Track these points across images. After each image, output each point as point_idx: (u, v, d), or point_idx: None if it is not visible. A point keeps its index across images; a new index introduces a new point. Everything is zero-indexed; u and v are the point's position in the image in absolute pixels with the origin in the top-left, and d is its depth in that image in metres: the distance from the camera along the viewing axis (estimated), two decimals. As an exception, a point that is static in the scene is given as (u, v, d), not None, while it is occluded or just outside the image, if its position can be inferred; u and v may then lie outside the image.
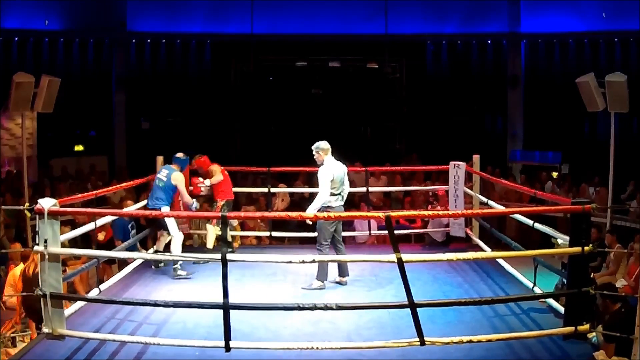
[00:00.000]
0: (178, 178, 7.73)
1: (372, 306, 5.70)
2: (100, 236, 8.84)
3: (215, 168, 8.60)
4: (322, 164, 7.07)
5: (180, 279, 7.50)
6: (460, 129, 16.21)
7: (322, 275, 7.04)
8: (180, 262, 7.62)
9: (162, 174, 7.80)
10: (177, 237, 7.59)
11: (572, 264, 5.49)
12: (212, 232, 8.52)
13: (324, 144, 7.12)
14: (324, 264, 6.98)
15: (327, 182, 6.93)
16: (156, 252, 8.04)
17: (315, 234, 7.43)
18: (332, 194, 6.99)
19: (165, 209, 7.59)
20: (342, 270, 7.24)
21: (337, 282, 7.22)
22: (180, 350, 5.25)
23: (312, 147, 7.16)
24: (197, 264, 7.93)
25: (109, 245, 8.80)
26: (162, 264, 7.90)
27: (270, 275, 7.49)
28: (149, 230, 8.80)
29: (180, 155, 7.98)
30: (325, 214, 6.23)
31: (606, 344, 5.29)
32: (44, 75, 9.66)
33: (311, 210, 6.80)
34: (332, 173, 6.98)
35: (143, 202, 8.50)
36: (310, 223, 7.49)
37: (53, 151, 14.70)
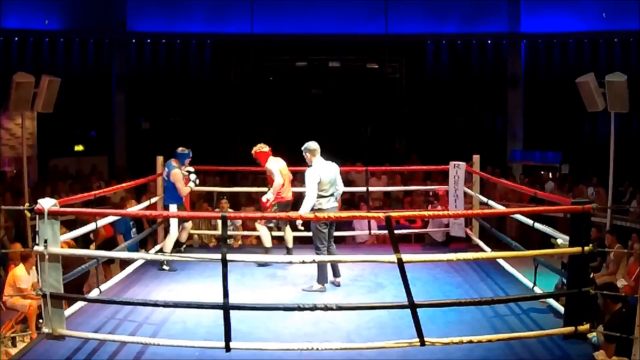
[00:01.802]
0: (174, 175, 7.81)
1: (372, 306, 5.69)
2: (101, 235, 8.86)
3: (274, 167, 7.96)
4: (311, 165, 6.97)
5: (164, 271, 7.70)
6: (460, 129, 16.22)
7: (322, 278, 6.96)
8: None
9: (165, 172, 7.97)
10: (172, 235, 7.81)
11: (572, 264, 5.49)
12: (265, 231, 8.12)
13: (312, 145, 6.97)
14: (323, 266, 6.92)
15: (313, 184, 6.80)
16: (158, 251, 8.07)
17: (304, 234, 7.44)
18: (322, 196, 6.85)
19: (173, 207, 7.78)
20: (335, 271, 7.15)
21: (331, 283, 7.16)
22: (180, 351, 5.25)
23: (302, 148, 7.07)
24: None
25: (110, 241, 8.81)
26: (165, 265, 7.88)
27: (270, 275, 7.49)
28: (150, 229, 8.80)
29: (180, 149, 8.04)
30: (325, 214, 6.22)
31: (606, 344, 5.29)
32: (44, 75, 9.67)
33: (301, 213, 6.67)
34: (318, 175, 6.84)
35: (145, 203, 8.50)
36: (301, 227, 7.40)
37: (53, 151, 14.71)
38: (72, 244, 7.51)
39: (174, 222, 7.81)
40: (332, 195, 6.95)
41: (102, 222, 6.85)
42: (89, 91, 15.94)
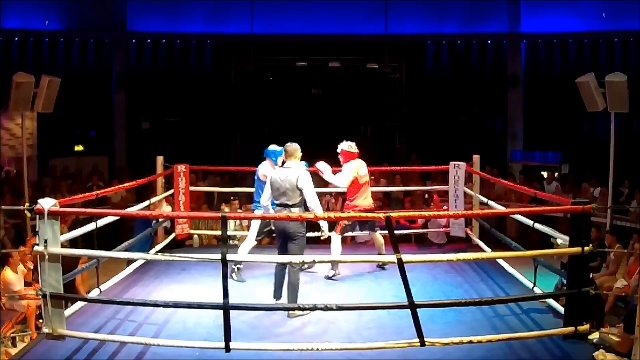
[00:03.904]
0: (260, 170, 7.35)
1: (372, 306, 5.69)
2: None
3: (347, 169, 7.43)
4: None
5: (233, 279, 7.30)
6: (460, 129, 16.22)
7: (293, 297, 6.27)
8: (240, 266, 7.37)
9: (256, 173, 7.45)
10: (248, 240, 7.40)
11: (572, 264, 5.49)
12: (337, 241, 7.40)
13: (288, 146, 6.45)
14: (293, 289, 6.26)
15: (266, 185, 6.48)
16: (157, 252, 8.06)
17: (316, 234, 7.42)
18: (273, 201, 6.41)
19: (257, 211, 7.26)
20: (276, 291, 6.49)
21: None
22: (180, 351, 5.25)
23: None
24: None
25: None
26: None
27: (270, 276, 7.45)
28: (150, 229, 8.80)
29: (271, 146, 7.31)
30: (325, 215, 6.22)
31: (624, 337, 5.25)
32: (44, 75, 9.67)
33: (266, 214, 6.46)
34: (270, 176, 6.43)
35: (146, 203, 8.48)
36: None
37: (53, 151, 14.70)
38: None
39: (254, 225, 7.39)
40: (282, 206, 6.26)
41: (102, 222, 6.84)
42: (88, 91, 15.93)
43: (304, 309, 5.76)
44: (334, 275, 7.45)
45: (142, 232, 8.33)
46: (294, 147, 6.44)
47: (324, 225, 6.58)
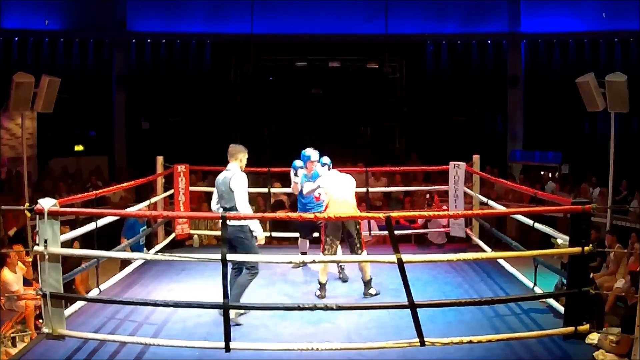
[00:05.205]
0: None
1: (372, 306, 5.70)
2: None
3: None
4: None
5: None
6: (460, 129, 16.22)
7: (238, 297, 5.90)
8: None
9: None
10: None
11: (572, 264, 5.49)
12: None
13: (230, 147, 6.15)
14: (240, 289, 5.96)
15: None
16: (158, 252, 8.04)
17: (316, 235, 7.42)
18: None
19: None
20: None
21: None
22: (180, 351, 5.25)
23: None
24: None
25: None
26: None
27: (270, 275, 7.49)
28: (150, 229, 8.80)
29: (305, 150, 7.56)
30: (325, 215, 6.22)
31: (623, 339, 5.25)
32: (44, 75, 9.66)
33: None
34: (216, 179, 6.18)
35: (146, 203, 8.44)
36: None
37: (53, 151, 14.70)
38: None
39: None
40: (222, 209, 6.03)
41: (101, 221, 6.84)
42: (88, 91, 15.93)
43: (304, 309, 5.75)
44: (319, 294, 6.78)
45: (130, 232, 8.29)
46: (237, 148, 6.13)
47: (255, 228, 6.09)
